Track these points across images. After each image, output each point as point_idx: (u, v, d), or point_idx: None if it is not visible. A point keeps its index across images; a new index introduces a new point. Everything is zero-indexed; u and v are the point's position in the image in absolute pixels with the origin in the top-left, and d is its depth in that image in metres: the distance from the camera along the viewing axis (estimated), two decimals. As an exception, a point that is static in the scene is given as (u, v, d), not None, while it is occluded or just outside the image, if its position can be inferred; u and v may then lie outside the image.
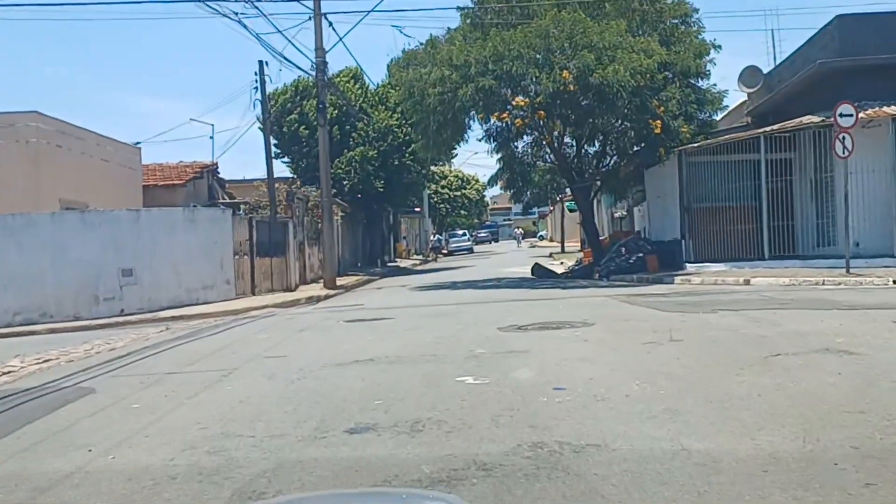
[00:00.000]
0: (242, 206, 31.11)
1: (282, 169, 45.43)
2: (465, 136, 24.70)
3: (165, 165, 31.58)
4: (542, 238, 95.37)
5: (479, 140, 24.02)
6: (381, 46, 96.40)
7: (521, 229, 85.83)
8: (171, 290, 21.62)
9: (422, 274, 36.19)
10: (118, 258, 20.72)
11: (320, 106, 27.56)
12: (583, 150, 25.68)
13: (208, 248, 22.60)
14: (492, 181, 26.72)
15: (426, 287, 24.98)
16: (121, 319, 19.89)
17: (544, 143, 25.49)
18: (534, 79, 20.50)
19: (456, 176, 66.06)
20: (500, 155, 25.70)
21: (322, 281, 28.02)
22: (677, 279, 20.48)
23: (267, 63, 27.34)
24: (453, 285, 25.20)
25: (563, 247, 48.99)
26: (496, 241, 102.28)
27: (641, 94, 20.70)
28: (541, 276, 27.09)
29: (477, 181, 70.59)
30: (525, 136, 24.51)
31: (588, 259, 29.23)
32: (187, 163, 32.14)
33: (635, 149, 24.08)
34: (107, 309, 20.38)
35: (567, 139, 25.33)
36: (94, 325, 19.24)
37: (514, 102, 21.28)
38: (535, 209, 46.66)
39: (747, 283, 18.92)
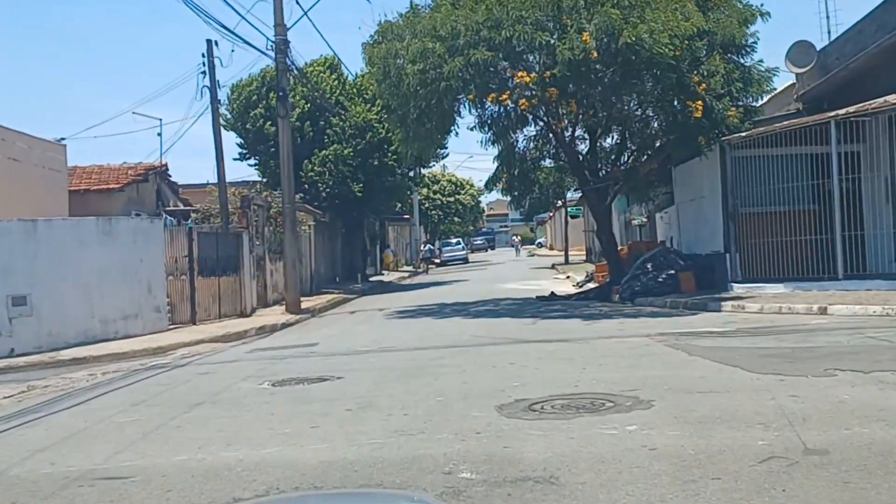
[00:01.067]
0: (193, 215, 26.49)
1: (249, 172, 41.04)
2: (454, 126, 20.11)
3: (104, 167, 26.95)
4: (540, 246, 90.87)
5: (471, 129, 19.30)
6: (358, 30, 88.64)
7: (518, 237, 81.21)
8: (80, 322, 16.96)
9: (407, 290, 31.53)
10: (6, 283, 16.07)
11: (280, 93, 22.97)
12: (598, 144, 21.08)
13: (131, 268, 17.97)
14: (490, 184, 22.06)
15: (406, 313, 20.34)
16: (11, 363, 15.24)
17: (550, 134, 20.92)
18: (543, 46, 15.85)
19: (449, 180, 61.43)
20: (497, 150, 21.13)
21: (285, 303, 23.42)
22: (726, 306, 15.87)
23: (217, 43, 22.79)
24: (440, 310, 20.58)
25: (566, 257, 44.36)
26: (492, 248, 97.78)
27: (677, 69, 16.11)
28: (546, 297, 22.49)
29: (472, 186, 65.92)
30: (528, 127, 19.97)
31: (602, 275, 24.62)
32: (132, 164, 27.50)
33: (663, 141, 19.48)
34: (-14, 349, 15.74)
35: (578, 130, 20.73)
36: (-29, 370, 14.60)
37: (516, 78, 16.67)
38: (535, 215, 41.90)
39: (823, 311, 14.34)
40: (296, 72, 25.11)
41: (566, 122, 18.32)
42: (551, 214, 72.10)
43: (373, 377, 9.87)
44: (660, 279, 18.77)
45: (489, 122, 19.49)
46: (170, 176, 29.38)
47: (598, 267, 26.41)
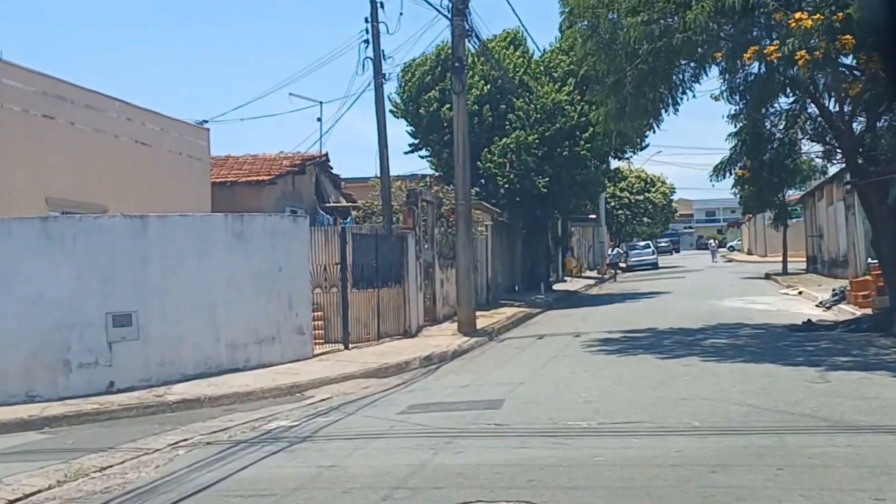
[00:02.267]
0: (353, 213, 22.72)
1: (419, 166, 37.11)
2: (683, 96, 15.11)
3: (258, 157, 23.66)
4: (732, 249, 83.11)
5: (715, 98, 14.09)
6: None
7: (715, 240, 74.01)
8: (201, 348, 13.27)
9: (600, 305, 26.57)
10: (107, 295, 12.54)
11: (455, 64, 18.68)
12: (878, 124, 15.47)
13: (268, 279, 14.16)
14: (719, 171, 16.69)
15: (612, 344, 15.52)
16: (105, 402, 11.69)
17: (811, 107, 15.57)
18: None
19: (637, 176, 55.62)
20: (736, 128, 15.92)
21: (458, 320, 19.17)
22: None
23: (382, 4, 18.73)
24: (658, 341, 15.69)
25: (785, 265, 37.83)
26: (677, 251, 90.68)
27: None
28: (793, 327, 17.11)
29: (663, 183, 59.70)
30: (786, 95, 14.68)
31: (863, 294, 18.88)
32: (288, 153, 24.10)
33: None
34: (84, 381, 12.22)
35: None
36: (58, 414, 11.08)
37: (791, 23, 11.51)
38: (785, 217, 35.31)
39: None
40: (476, 42, 20.76)
41: (860, 87, 12.93)
42: (749, 216, 64.80)
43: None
44: None
45: (742, 89, 14.31)
46: (331, 167, 25.84)
47: (855, 283, 20.56)
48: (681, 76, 15.10)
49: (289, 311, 14.52)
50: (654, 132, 16.50)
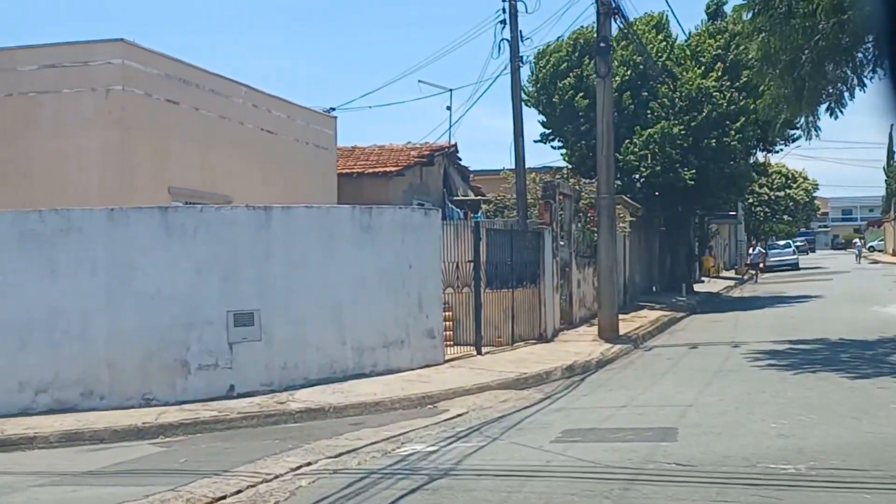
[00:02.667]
0: (483, 206, 21.42)
1: (551, 158, 35.50)
2: (872, 74, 13.12)
3: (384, 148, 22.67)
4: (872, 249, 77.90)
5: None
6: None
7: (861, 239, 69.35)
8: (325, 351, 12.21)
9: (747, 309, 24.39)
10: (228, 292, 11.62)
11: (601, 44, 17.08)
12: None
13: (397, 276, 13.02)
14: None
15: (779, 357, 13.67)
16: (224, 409, 10.78)
17: None
18: None
19: (778, 172, 52.22)
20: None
21: (596, 324, 17.62)
22: None
23: (520, -21, 17.30)
24: (832, 354, 13.79)
25: (949, 270, 34.47)
26: (812, 250, 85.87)
27: None
28: None
29: (805, 178, 56.00)
30: None
31: None
32: (415, 144, 23.01)
33: None
34: (203, 384, 11.33)
35: None
36: (174, 422, 10.19)
37: None
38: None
39: None
40: (620, 22, 19.07)
41: None
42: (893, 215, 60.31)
43: None
44: None
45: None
46: (459, 159, 24.60)
47: None
48: (867, 54, 13.13)
49: (419, 313, 13.33)
50: (835, 117, 14.50)
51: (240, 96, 15.89)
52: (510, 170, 19.81)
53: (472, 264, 14.83)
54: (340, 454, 8.11)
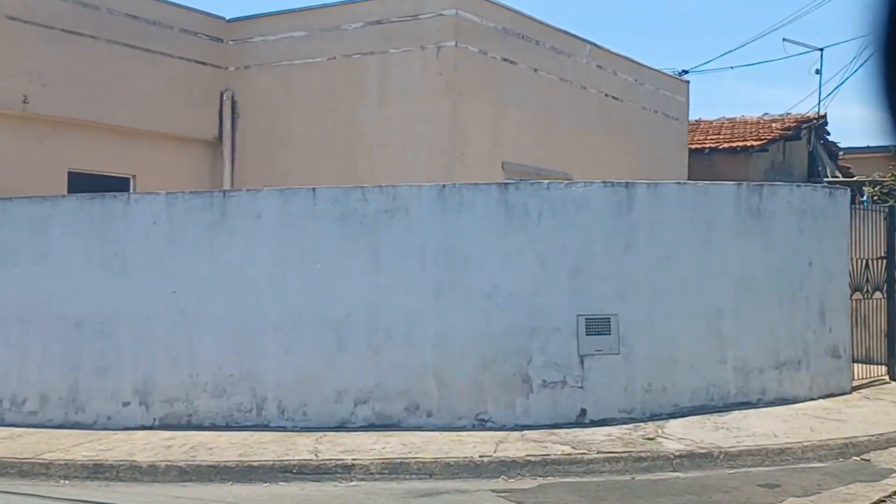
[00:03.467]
0: (867, 190, 17.39)
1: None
2: None
3: (736, 120, 19.29)
4: None
5: None
6: None
7: None
8: (698, 371, 9.45)
9: None
10: (578, 292, 9.20)
11: None
12: None
13: (792, 277, 9.95)
14: None
15: None
16: (577, 441, 8.47)
17: None
18: None
19: None
20: None
21: None
22: None
23: None
24: None
25: None
26: None
27: None
28: None
29: None
30: None
31: None
32: (774, 115, 19.36)
33: None
34: (547, 406, 9.03)
35: None
36: (517, 458, 7.92)
37: None
38: None
39: None
40: None
41: None
42: None
43: None
44: None
45: None
46: (827, 133, 20.53)
47: None
48: None
49: (820, 325, 10.16)
50: None
51: (583, 55, 13.43)
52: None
53: (883, 261, 11.30)
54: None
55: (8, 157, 10.06)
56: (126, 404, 9.40)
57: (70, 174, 10.72)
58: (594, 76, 13.68)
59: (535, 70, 12.43)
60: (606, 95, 13.87)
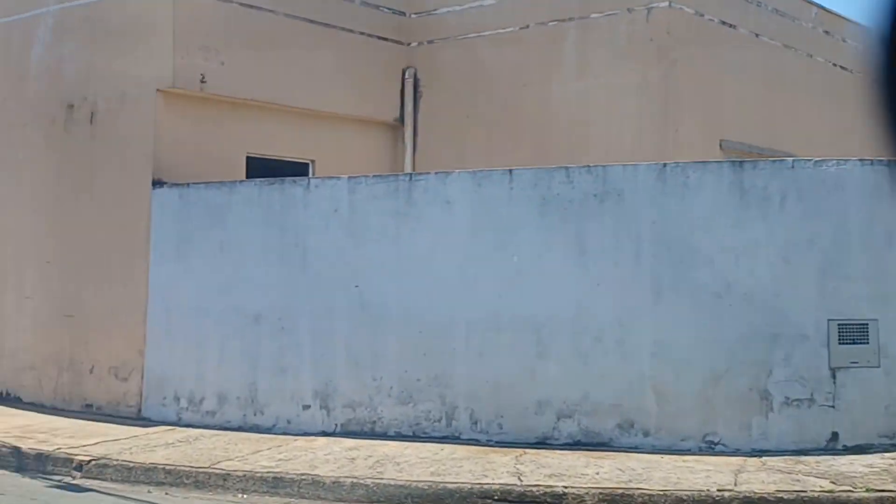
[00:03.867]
0: None
1: None
2: None
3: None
4: None
5: None
6: None
7: None
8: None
9: None
10: (827, 293, 7.63)
11: None
12: None
13: None
14: None
15: None
16: (839, 478, 6.93)
17: None
18: None
19: None
20: None
21: None
22: None
23: None
24: None
25: None
26: None
27: None
28: None
29: None
30: None
31: None
32: None
33: None
34: (791, 428, 7.53)
35: None
36: (767, 494, 6.45)
37: None
38: None
39: None
40: None
41: None
42: None
43: None
44: None
45: None
46: None
47: None
48: None
49: None
50: None
51: (809, 19, 11.66)
52: None
53: None
54: None
55: (186, 140, 9.49)
56: (306, 407, 8.63)
57: (248, 159, 10.06)
58: (821, 43, 11.87)
59: (757, 35, 10.81)
60: (835, 65, 12.03)
